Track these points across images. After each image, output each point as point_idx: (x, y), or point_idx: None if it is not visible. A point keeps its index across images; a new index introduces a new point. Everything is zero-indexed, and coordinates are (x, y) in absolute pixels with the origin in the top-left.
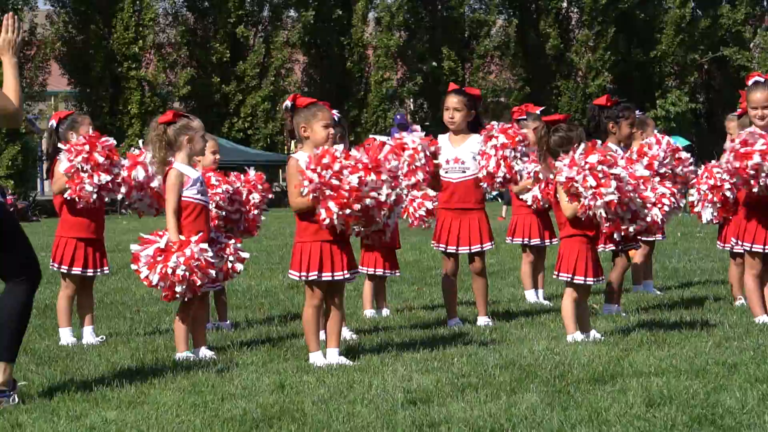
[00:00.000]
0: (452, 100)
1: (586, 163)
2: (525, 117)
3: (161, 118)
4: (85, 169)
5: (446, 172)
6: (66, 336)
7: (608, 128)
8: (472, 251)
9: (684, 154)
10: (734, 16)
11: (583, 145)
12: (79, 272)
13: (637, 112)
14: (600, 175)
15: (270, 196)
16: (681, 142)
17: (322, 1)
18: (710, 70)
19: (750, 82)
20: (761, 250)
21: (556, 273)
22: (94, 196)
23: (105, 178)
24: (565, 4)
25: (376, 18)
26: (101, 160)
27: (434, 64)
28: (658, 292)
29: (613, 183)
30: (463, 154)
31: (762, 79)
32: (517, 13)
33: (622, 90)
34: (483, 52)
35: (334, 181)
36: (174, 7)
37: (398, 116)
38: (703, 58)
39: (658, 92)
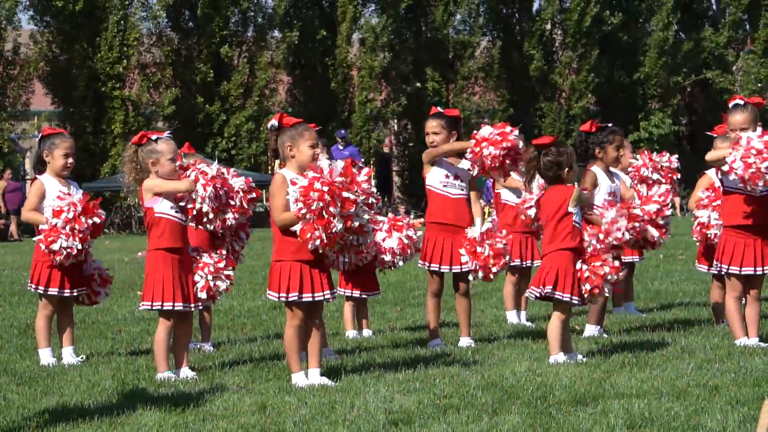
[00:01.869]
0: (431, 125)
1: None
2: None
3: (133, 139)
4: (64, 228)
5: (444, 186)
6: (45, 356)
7: (595, 153)
8: (463, 270)
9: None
10: (717, 39)
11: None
12: (56, 293)
13: None
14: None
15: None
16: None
17: (307, 22)
18: (693, 92)
19: (731, 105)
20: (737, 272)
21: (539, 288)
22: (62, 255)
23: (77, 245)
24: (549, 26)
25: (361, 39)
26: (83, 227)
27: (418, 84)
28: (640, 314)
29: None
30: (462, 174)
31: (742, 102)
32: (501, 34)
33: (605, 112)
34: (467, 74)
35: (332, 209)
36: (158, 27)
37: (342, 131)
38: (686, 80)
39: (642, 114)
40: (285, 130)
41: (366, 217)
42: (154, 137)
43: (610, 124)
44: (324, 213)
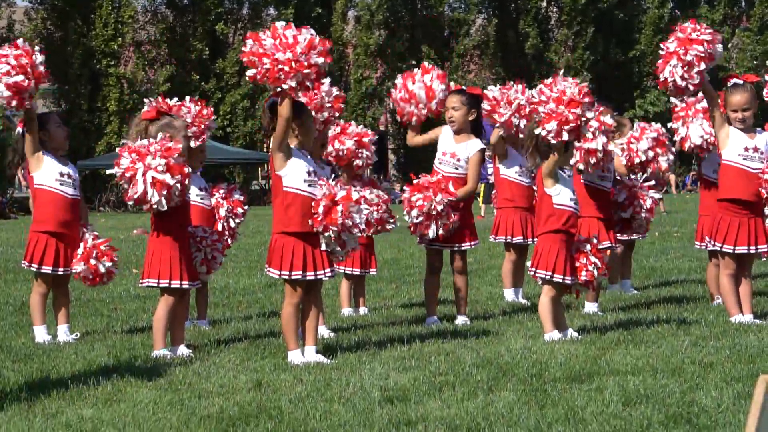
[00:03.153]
0: (451, 100)
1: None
2: None
3: (144, 114)
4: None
5: (440, 163)
6: (41, 334)
7: None
8: (462, 248)
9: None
10: (712, 16)
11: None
12: (50, 271)
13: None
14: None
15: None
16: None
17: (302, 0)
18: None
19: (729, 84)
20: (731, 251)
21: (533, 270)
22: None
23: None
24: (544, 4)
25: (356, 16)
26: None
27: (414, 62)
28: (636, 291)
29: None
30: (461, 153)
31: (741, 82)
32: (496, 12)
33: (601, 89)
34: (462, 51)
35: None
36: (153, 4)
37: None
38: None
39: (637, 92)
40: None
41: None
42: (169, 113)
43: (597, 99)
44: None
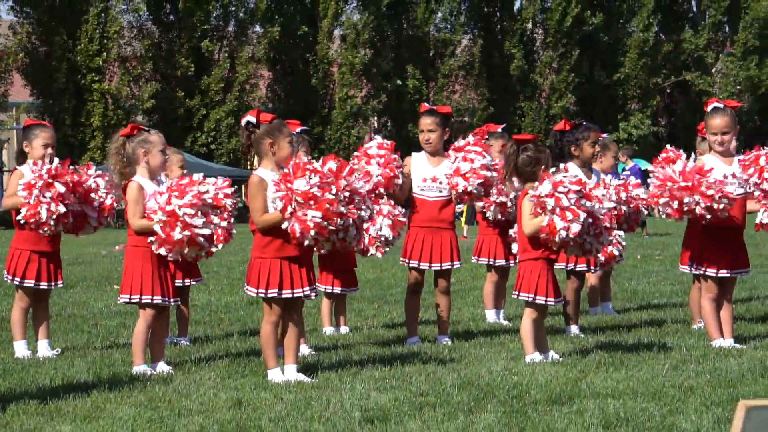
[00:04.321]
0: (426, 122)
1: (564, 184)
2: (487, 137)
3: (122, 131)
4: (45, 196)
5: (422, 190)
6: (21, 349)
7: (570, 151)
8: (443, 268)
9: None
10: (697, 41)
11: (557, 168)
12: (32, 285)
13: (603, 135)
14: (572, 200)
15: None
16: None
17: (288, 18)
18: (672, 94)
19: (709, 108)
20: (714, 275)
21: (516, 293)
22: (51, 222)
23: (61, 209)
24: (530, 26)
25: (342, 35)
26: (62, 189)
27: (399, 82)
28: (617, 314)
29: (583, 215)
30: (441, 175)
31: (721, 105)
32: (482, 33)
33: (585, 112)
34: (448, 72)
35: (317, 192)
36: (139, 20)
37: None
38: (665, 81)
39: (621, 115)
40: (264, 126)
41: (364, 214)
42: (146, 129)
43: (584, 122)
44: (310, 200)
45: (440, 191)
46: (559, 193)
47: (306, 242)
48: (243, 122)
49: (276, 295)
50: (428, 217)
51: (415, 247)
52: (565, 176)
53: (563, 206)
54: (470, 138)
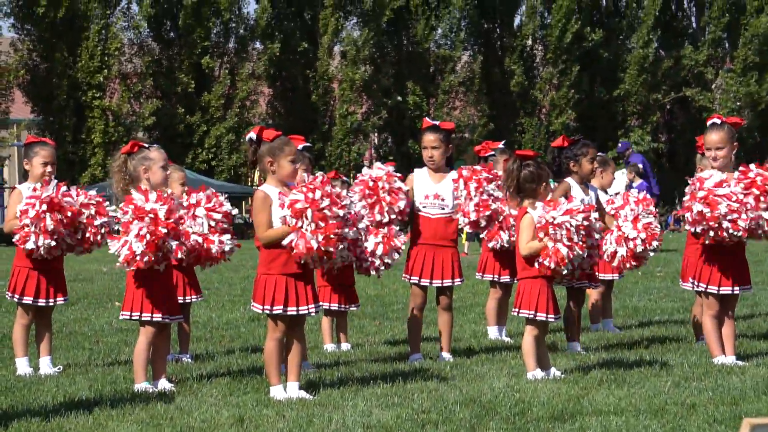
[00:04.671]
0: (429, 138)
1: (574, 215)
2: (493, 153)
3: (123, 148)
4: (37, 227)
5: (424, 207)
6: (22, 366)
7: (569, 167)
8: (444, 285)
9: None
10: (696, 57)
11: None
12: (30, 302)
13: (599, 153)
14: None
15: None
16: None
17: (288, 34)
18: (672, 110)
19: (708, 124)
20: (715, 292)
21: (516, 310)
22: (41, 252)
23: (51, 243)
24: (530, 42)
25: (342, 52)
26: (51, 226)
27: (399, 98)
28: (618, 331)
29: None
30: (443, 191)
31: (718, 121)
32: (482, 49)
33: (585, 128)
34: (448, 88)
35: (326, 212)
36: (140, 37)
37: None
38: (665, 98)
39: (621, 131)
40: (265, 144)
41: (362, 226)
42: (146, 145)
43: (581, 138)
44: (320, 220)
45: (442, 208)
46: (567, 223)
47: (303, 260)
48: (246, 138)
49: (281, 312)
50: (430, 234)
51: (416, 264)
52: (574, 206)
53: (571, 239)
54: (477, 167)
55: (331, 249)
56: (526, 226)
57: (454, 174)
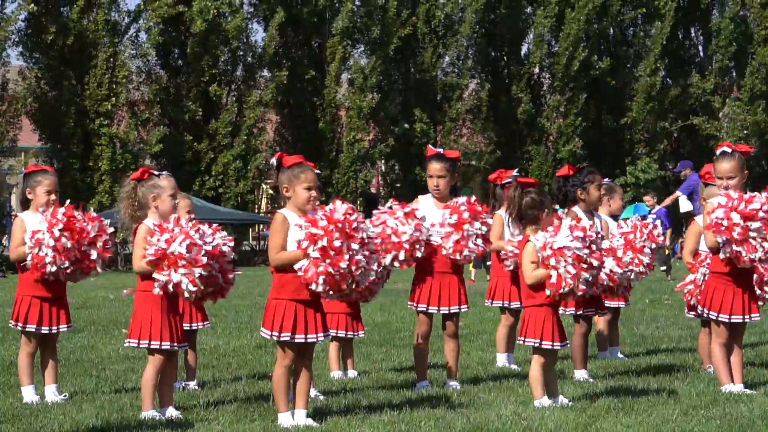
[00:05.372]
0: (435, 167)
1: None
2: (509, 180)
3: (132, 175)
4: (48, 245)
5: (430, 235)
6: (28, 394)
7: (577, 195)
8: (450, 312)
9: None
10: (704, 85)
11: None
12: (33, 329)
13: (605, 180)
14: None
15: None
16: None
17: (296, 62)
18: (680, 138)
19: (718, 152)
20: (726, 320)
21: (521, 338)
22: (53, 269)
23: (64, 264)
24: (537, 70)
25: (349, 79)
26: (69, 245)
27: (406, 126)
28: (625, 358)
29: (585, 275)
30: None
31: (729, 150)
32: (489, 77)
33: (592, 156)
34: (455, 115)
35: (336, 243)
36: (147, 65)
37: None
38: (672, 126)
39: (628, 159)
40: (283, 170)
41: (372, 273)
42: (156, 173)
43: (586, 165)
44: (331, 250)
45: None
46: (567, 248)
47: (313, 287)
48: (271, 162)
49: (288, 339)
50: (435, 260)
51: (423, 291)
52: (577, 235)
53: (573, 266)
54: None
55: (337, 280)
56: (528, 253)
57: (460, 200)
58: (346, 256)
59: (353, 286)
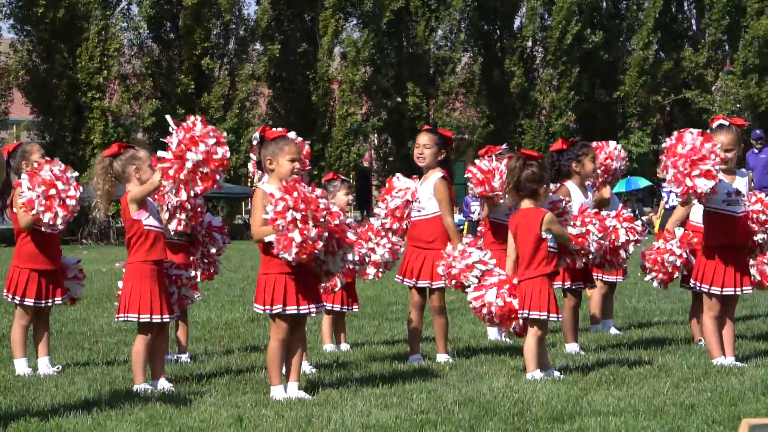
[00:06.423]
0: (422, 138)
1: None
2: (500, 152)
3: (106, 151)
4: (50, 197)
5: (412, 210)
6: (21, 367)
7: (572, 168)
8: (432, 286)
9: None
10: (696, 59)
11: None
12: (32, 303)
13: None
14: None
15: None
16: (643, 182)
17: (289, 35)
18: (672, 112)
19: (714, 125)
20: (718, 293)
21: (525, 312)
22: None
23: (71, 203)
24: (530, 44)
25: (342, 53)
26: (71, 190)
27: (399, 99)
28: (618, 332)
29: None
30: (421, 193)
31: (726, 123)
32: (482, 51)
33: (584, 130)
34: (448, 89)
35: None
36: (139, 38)
37: (756, 132)
38: (665, 100)
39: (621, 133)
40: (267, 143)
41: (349, 257)
42: (131, 145)
43: (578, 139)
44: (298, 223)
45: (419, 210)
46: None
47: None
48: (251, 138)
49: (280, 311)
50: (415, 235)
51: (409, 265)
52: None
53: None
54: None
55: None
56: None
57: (438, 173)
58: (311, 223)
59: (329, 258)
